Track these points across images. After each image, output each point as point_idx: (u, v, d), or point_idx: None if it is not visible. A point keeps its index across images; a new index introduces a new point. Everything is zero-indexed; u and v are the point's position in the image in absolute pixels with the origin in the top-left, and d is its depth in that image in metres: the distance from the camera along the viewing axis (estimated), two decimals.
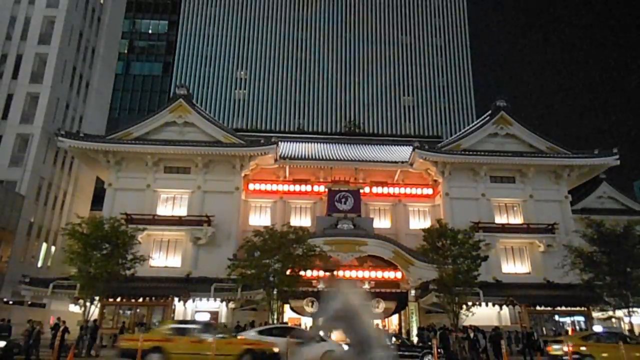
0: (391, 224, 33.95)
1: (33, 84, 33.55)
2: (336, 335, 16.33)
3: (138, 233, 25.08)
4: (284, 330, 18.77)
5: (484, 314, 26.84)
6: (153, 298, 26.32)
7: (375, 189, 34.04)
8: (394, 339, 22.12)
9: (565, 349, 17.57)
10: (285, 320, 28.23)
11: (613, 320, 27.88)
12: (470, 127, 37.35)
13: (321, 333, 15.72)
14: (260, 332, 18.61)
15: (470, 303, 24.21)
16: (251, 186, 33.61)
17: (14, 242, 29.41)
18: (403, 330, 29.86)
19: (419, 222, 33.71)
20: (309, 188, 33.88)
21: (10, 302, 29.00)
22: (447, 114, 76.99)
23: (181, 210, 31.58)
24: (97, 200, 35.82)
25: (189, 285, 27.49)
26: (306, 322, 29.15)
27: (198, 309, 28.33)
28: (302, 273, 25.07)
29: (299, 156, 34.39)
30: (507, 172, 33.82)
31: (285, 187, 33.83)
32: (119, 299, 26.16)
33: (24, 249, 30.89)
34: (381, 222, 33.69)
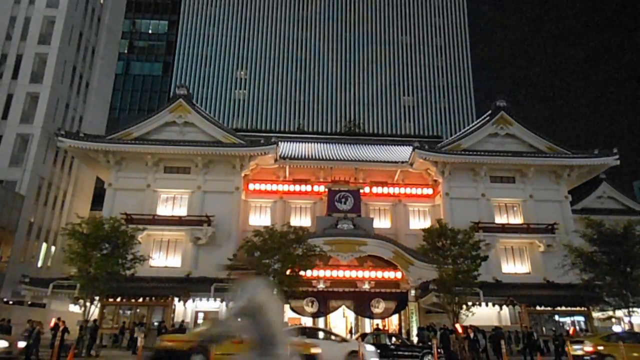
0: (391, 224, 33.96)
1: (33, 84, 33.56)
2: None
3: (138, 233, 25.06)
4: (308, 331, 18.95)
5: (484, 314, 26.83)
6: (153, 298, 26.33)
7: (375, 189, 34.04)
8: (394, 339, 22.14)
9: (586, 348, 17.55)
10: (285, 320, 28.19)
11: (613, 320, 27.90)
12: (470, 127, 37.36)
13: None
14: None
15: (470, 303, 24.19)
16: (251, 186, 33.61)
17: (14, 242, 29.42)
18: (403, 330, 29.86)
19: (419, 222, 33.71)
20: (309, 188, 33.88)
21: (10, 302, 29.00)
22: (447, 114, 76.97)
23: (181, 210, 31.59)
24: (97, 200, 35.83)
25: (189, 285, 27.51)
26: (306, 322, 29.16)
27: (198, 309, 28.35)
28: (302, 273, 25.04)
29: (299, 156, 34.40)
30: (507, 172, 33.83)
31: (285, 187, 33.83)
32: (119, 299, 26.17)
33: (24, 249, 30.89)
34: (381, 222, 33.69)
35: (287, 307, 28.50)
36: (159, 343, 16.06)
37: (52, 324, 23.85)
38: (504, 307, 27.94)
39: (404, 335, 27.61)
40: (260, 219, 33.23)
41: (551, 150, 33.71)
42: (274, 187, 33.83)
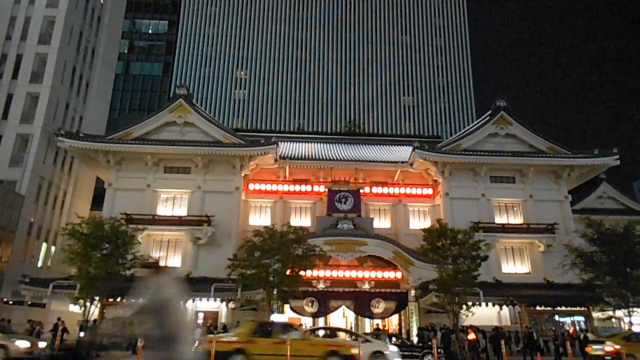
0: (391, 224, 33.95)
1: (33, 84, 33.54)
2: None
3: (138, 233, 25.10)
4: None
5: (484, 314, 26.83)
6: None
7: (375, 189, 34.04)
8: (394, 339, 22.14)
9: (607, 349, 17.58)
10: (285, 320, 28.16)
11: (613, 320, 27.91)
12: (470, 127, 37.36)
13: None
14: None
15: (470, 303, 24.22)
16: (251, 186, 33.61)
17: (14, 242, 29.40)
18: (403, 330, 29.86)
19: (419, 222, 33.71)
20: (309, 188, 33.88)
21: (10, 302, 28.99)
22: (447, 114, 76.98)
23: (181, 210, 31.59)
24: (97, 200, 35.81)
25: (189, 285, 27.48)
26: (306, 322, 29.18)
27: (198, 309, 28.35)
28: (302, 273, 25.05)
29: (299, 156, 34.40)
30: (507, 172, 33.83)
31: (285, 187, 33.83)
32: (119, 299, 26.16)
33: (24, 249, 30.88)
34: (381, 222, 33.69)
35: (287, 307, 28.58)
36: (203, 345, 16.22)
37: (52, 327, 23.91)
38: (504, 307, 27.91)
39: (404, 335, 27.60)
40: (260, 219, 33.23)
41: (551, 150, 33.70)
42: (274, 187, 33.82)
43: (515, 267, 32.15)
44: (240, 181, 32.35)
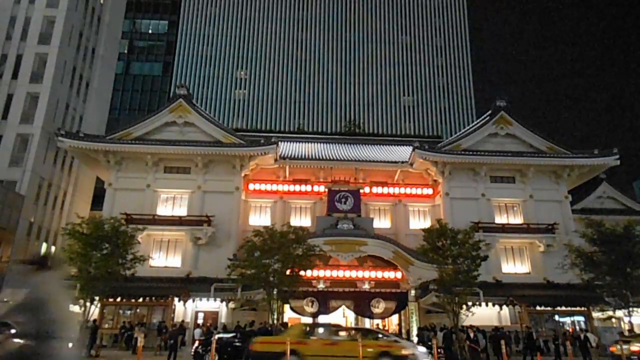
0: (391, 224, 33.95)
1: (33, 84, 33.56)
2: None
3: (138, 233, 25.07)
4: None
5: (484, 314, 26.84)
6: (153, 298, 26.32)
7: (375, 189, 34.03)
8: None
9: (633, 348, 17.58)
10: (285, 320, 28.20)
11: (613, 320, 27.90)
12: (470, 127, 37.35)
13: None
14: None
15: (470, 303, 24.20)
16: (251, 186, 33.61)
17: (14, 242, 29.42)
18: (403, 330, 29.85)
19: (419, 222, 33.71)
20: (309, 188, 33.87)
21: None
22: (447, 114, 76.98)
23: (181, 210, 31.59)
24: (97, 200, 35.82)
25: (189, 285, 27.51)
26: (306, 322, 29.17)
27: (198, 309, 28.35)
28: (302, 273, 25.04)
29: (299, 156, 34.39)
30: (507, 172, 33.83)
31: (285, 187, 33.82)
32: (119, 299, 26.17)
33: (24, 249, 30.87)
34: (381, 222, 33.69)
35: (287, 307, 28.58)
36: (254, 346, 16.39)
37: None
38: (504, 307, 27.93)
39: (404, 335, 27.59)
40: (260, 219, 33.23)
41: (551, 150, 33.70)
42: (274, 187, 33.82)
43: (515, 267, 32.15)
44: (240, 181, 32.35)
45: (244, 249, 25.06)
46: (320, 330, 16.83)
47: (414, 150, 32.29)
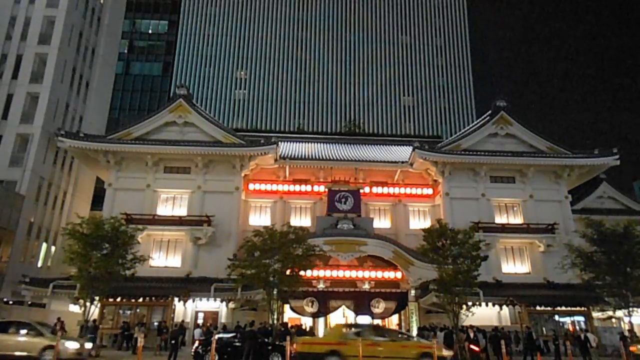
0: (391, 224, 33.96)
1: (33, 84, 33.55)
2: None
3: (138, 233, 25.06)
4: None
5: (484, 314, 26.85)
6: (153, 298, 26.32)
7: (375, 189, 34.04)
8: None
9: None
10: (285, 320, 28.20)
11: (613, 320, 27.90)
12: (470, 127, 37.35)
13: None
14: None
15: (470, 303, 24.19)
16: (251, 186, 33.61)
17: (14, 242, 29.41)
18: (403, 330, 29.83)
19: (419, 222, 33.71)
20: (309, 188, 33.87)
21: (10, 302, 28.99)
22: (447, 114, 76.97)
23: (181, 210, 31.59)
24: (97, 200, 35.83)
25: (189, 285, 27.51)
26: (306, 322, 29.17)
27: (198, 309, 28.35)
28: (302, 273, 25.03)
29: (299, 156, 34.39)
30: (507, 172, 33.83)
31: (285, 187, 33.83)
32: (119, 299, 26.18)
33: (24, 249, 30.89)
34: (381, 222, 33.70)
35: (287, 307, 28.58)
36: (297, 347, 16.60)
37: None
38: (504, 307, 27.93)
39: None
40: (260, 219, 33.23)
41: (551, 150, 33.70)
42: (274, 187, 33.82)
43: (515, 267, 32.15)
44: (240, 181, 32.35)
45: (244, 249, 25.05)
46: (362, 330, 16.98)
47: (414, 150, 32.29)
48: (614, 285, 24.19)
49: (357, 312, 29.56)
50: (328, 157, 34.46)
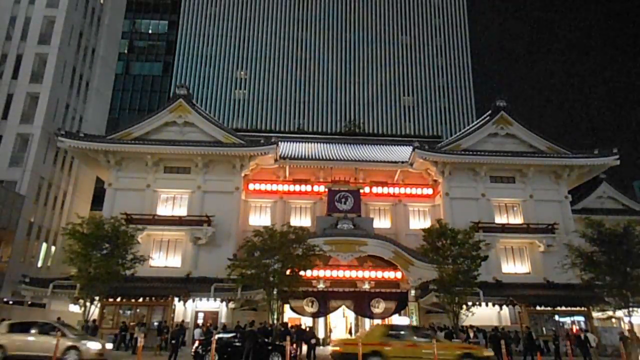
0: (391, 224, 33.96)
1: (33, 84, 33.53)
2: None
3: (138, 233, 25.09)
4: None
5: (484, 314, 26.87)
6: (153, 298, 26.32)
7: (375, 189, 34.04)
8: None
9: None
10: (285, 320, 28.20)
11: (613, 320, 27.89)
12: (470, 127, 37.36)
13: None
14: None
15: (470, 303, 24.20)
16: (251, 186, 33.62)
17: (14, 242, 29.40)
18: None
19: (419, 222, 33.72)
20: (309, 188, 33.88)
21: (10, 302, 28.99)
22: (447, 114, 76.97)
23: (181, 210, 31.59)
24: (97, 200, 35.81)
25: (189, 285, 27.51)
26: (306, 322, 29.17)
27: (198, 309, 28.35)
28: (302, 273, 25.04)
29: (299, 156, 34.40)
30: (507, 172, 33.83)
31: (285, 187, 33.83)
32: (119, 299, 26.17)
33: (24, 249, 30.88)
34: (381, 222, 33.70)
35: (287, 307, 28.58)
36: (337, 348, 16.64)
37: None
38: (504, 307, 27.94)
39: None
40: (260, 219, 33.24)
41: (551, 150, 33.70)
42: (274, 187, 33.83)
43: (515, 267, 32.15)
44: (240, 181, 32.35)
45: (244, 249, 25.07)
46: (402, 331, 17.07)
47: (414, 150, 32.30)
48: (614, 285, 24.17)
49: (357, 312, 29.59)
50: (328, 157, 34.48)
